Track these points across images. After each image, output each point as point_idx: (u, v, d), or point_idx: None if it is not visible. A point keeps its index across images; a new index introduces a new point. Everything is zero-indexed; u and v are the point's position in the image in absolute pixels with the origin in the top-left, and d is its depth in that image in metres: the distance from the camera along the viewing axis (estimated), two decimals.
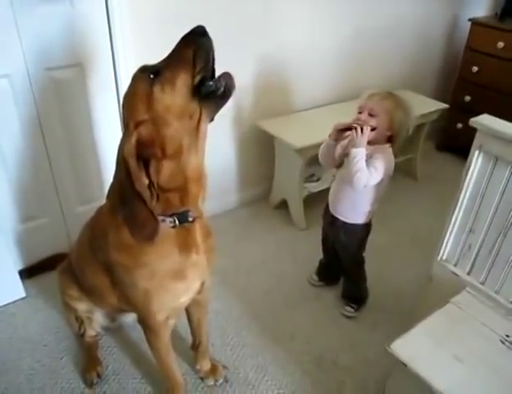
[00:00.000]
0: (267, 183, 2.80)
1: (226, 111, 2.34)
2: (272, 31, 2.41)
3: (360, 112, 1.70)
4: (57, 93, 1.92)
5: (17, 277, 2.03)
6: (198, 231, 1.23)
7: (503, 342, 1.43)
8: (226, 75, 1.05)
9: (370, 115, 1.67)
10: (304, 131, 2.48)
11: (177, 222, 1.14)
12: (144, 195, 1.04)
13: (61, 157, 2.05)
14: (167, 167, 1.06)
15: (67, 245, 2.21)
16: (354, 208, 1.81)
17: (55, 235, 2.18)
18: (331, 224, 1.90)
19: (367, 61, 2.95)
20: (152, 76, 1.02)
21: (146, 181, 1.05)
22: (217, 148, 2.47)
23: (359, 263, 1.99)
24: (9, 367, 1.75)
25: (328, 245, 2.05)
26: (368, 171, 1.64)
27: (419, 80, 3.40)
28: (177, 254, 1.20)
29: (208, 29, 1.05)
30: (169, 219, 1.13)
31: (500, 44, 2.91)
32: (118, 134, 2.11)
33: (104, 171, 2.20)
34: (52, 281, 1.90)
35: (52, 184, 2.07)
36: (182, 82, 1.01)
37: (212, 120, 1.11)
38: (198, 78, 1.02)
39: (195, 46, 1.01)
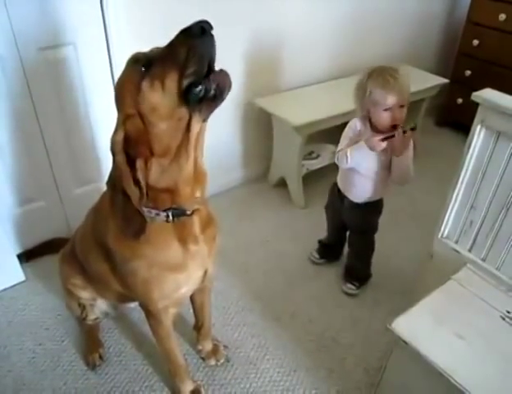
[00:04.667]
0: (265, 161, 2.77)
1: None
2: (269, 6, 2.35)
3: (387, 109, 1.62)
4: (50, 74, 1.88)
5: (16, 260, 2.02)
6: (196, 222, 1.19)
7: (503, 319, 1.42)
8: (219, 76, 0.95)
9: (400, 107, 1.62)
10: (303, 108, 2.44)
11: (171, 217, 1.11)
12: (129, 192, 1.01)
13: (56, 138, 2.02)
14: (156, 167, 1.02)
15: (65, 227, 2.21)
16: (378, 191, 1.82)
17: (52, 218, 2.17)
18: (353, 209, 1.88)
19: (365, 36, 2.90)
20: (143, 69, 0.94)
21: (131, 178, 1.00)
22: (214, 126, 2.41)
23: (377, 229, 1.99)
24: (11, 351, 1.76)
25: (339, 228, 2.05)
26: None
27: (419, 54, 3.35)
28: (175, 246, 1.18)
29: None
30: (163, 213, 1.10)
31: (502, 16, 2.85)
32: (114, 114, 2.10)
33: (100, 153, 2.18)
34: (51, 265, 1.90)
35: (47, 166, 2.05)
36: (170, 82, 0.92)
37: (205, 120, 1.03)
38: (186, 82, 0.92)
39: (188, 46, 0.90)
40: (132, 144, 0.99)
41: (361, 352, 1.79)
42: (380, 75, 1.62)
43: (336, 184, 1.94)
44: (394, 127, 1.63)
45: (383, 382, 1.52)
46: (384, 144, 1.62)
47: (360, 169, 1.76)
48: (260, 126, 2.64)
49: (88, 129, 2.09)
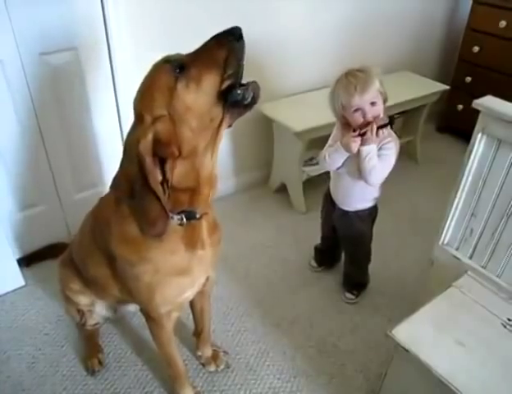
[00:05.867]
0: (266, 167, 2.78)
1: None
2: (270, 10, 2.36)
3: (357, 110, 1.59)
4: (51, 79, 1.88)
5: (16, 265, 2.02)
6: (204, 226, 1.21)
7: (504, 326, 1.42)
8: (255, 85, 1.02)
9: (371, 104, 1.58)
10: (304, 114, 2.44)
11: (185, 219, 1.12)
12: (159, 193, 1.01)
13: (57, 143, 2.02)
14: (181, 167, 1.03)
15: (65, 232, 2.21)
16: (364, 198, 1.80)
17: (53, 223, 2.17)
18: (342, 217, 1.87)
19: (366, 42, 2.91)
20: (177, 71, 0.97)
21: (160, 178, 1.01)
22: None
23: (370, 240, 1.97)
24: (10, 355, 1.75)
25: (331, 235, 2.04)
26: (381, 166, 1.63)
27: (419, 60, 3.35)
28: (182, 250, 1.19)
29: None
30: (177, 217, 1.11)
31: (503, 23, 2.85)
32: (115, 119, 2.11)
33: (102, 158, 2.18)
34: (51, 270, 1.90)
35: (48, 171, 2.05)
36: (209, 84, 0.97)
37: (230, 126, 1.08)
38: (226, 84, 0.98)
39: (229, 49, 0.97)
40: (159, 147, 0.99)
41: (361, 358, 1.79)
42: (344, 77, 1.61)
43: (329, 188, 1.93)
44: (368, 124, 1.58)
45: (384, 389, 1.52)
46: (359, 141, 1.59)
47: (343, 173, 1.75)
48: (261, 132, 2.65)
49: (88, 134, 2.10)
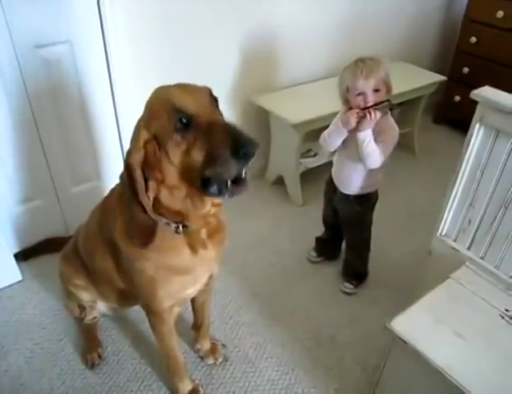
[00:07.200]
0: (263, 159, 2.76)
1: (220, 86, 2.30)
2: (268, 3, 2.34)
3: (360, 94, 1.64)
4: (47, 72, 1.86)
5: (13, 260, 2.01)
6: (204, 230, 1.21)
7: (503, 317, 1.42)
8: (236, 190, 1.00)
9: (374, 91, 1.63)
10: (300, 106, 2.44)
11: (181, 227, 1.13)
12: (144, 203, 1.02)
13: (53, 136, 2.00)
14: (167, 193, 1.05)
15: (62, 226, 2.19)
16: (367, 181, 1.81)
17: (50, 217, 2.16)
18: (343, 201, 1.89)
19: (363, 33, 2.89)
20: (182, 122, 0.95)
21: (144, 191, 1.02)
22: None
23: (370, 225, 1.98)
24: (8, 350, 1.75)
25: (332, 221, 2.04)
26: (379, 150, 1.66)
27: (416, 51, 3.34)
28: (184, 250, 1.19)
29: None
30: (174, 225, 1.12)
31: (500, 13, 2.84)
32: (111, 112, 2.09)
33: (98, 151, 2.16)
34: (48, 264, 1.89)
35: (44, 165, 2.03)
36: (195, 161, 0.97)
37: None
38: (206, 173, 0.97)
39: (225, 160, 0.93)
40: (146, 165, 1.01)
41: (359, 350, 1.79)
42: (353, 62, 1.66)
43: (330, 175, 1.94)
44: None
45: (382, 381, 1.52)
46: (357, 114, 1.63)
47: (344, 159, 1.80)
48: (258, 124, 2.63)
49: (84, 128, 2.08)
